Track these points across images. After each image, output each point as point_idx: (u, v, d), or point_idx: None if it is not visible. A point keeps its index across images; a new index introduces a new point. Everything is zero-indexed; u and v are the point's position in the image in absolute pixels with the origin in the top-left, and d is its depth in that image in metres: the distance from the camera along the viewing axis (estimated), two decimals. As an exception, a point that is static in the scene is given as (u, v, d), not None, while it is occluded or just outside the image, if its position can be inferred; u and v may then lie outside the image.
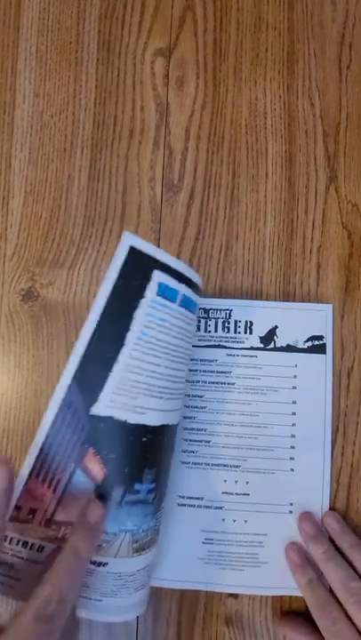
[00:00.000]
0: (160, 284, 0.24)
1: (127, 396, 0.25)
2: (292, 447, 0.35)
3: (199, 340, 0.35)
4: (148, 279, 0.24)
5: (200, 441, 0.35)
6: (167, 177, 0.38)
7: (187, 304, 0.25)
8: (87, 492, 0.26)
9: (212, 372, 0.35)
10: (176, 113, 0.38)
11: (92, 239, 0.37)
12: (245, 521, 0.34)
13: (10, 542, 0.27)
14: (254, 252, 0.37)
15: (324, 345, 0.35)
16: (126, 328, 0.24)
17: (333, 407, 0.35)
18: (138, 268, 0.24)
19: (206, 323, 0.35)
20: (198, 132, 0.38)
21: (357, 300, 0.37)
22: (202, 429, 0.35)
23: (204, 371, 0.35)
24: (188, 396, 0.35)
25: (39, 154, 0.38)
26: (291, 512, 0.34)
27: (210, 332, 0.35)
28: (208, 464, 0.34)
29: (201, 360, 0.35)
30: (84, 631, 0.34)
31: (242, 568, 0.34)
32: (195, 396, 0.35)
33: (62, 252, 0.37)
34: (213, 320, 0.35)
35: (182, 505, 0.34)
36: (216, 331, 0.35)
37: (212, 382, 0.35)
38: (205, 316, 0.35)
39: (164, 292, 0.24)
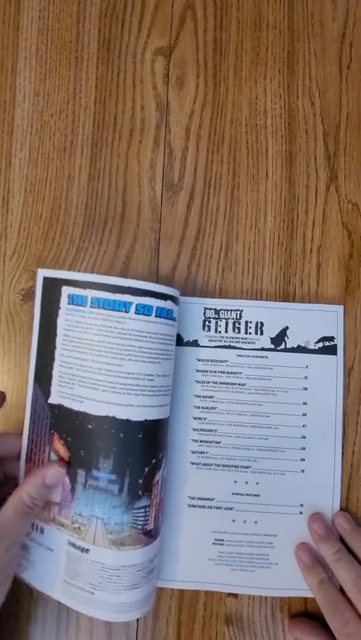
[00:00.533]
0: (69, 295, 0.30)
1: (67, 387, 0.30)
2: (303, 448, 0.35)
3: (209, 340, 0.35)
4: (59, 294, 0.31)
5: (210, 442, 0.35)
6: (167, 176, 0.38)
7: (102, 304, 0.29)
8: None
9: (222, 372, 0.35)
10: (176, 112, 0.38)
11: (92, 239, 0.37)
12: (256, 522, 0.34)
13: None
14: (254, 252, 0.37)
15: (334, 346, 0.35)
16: (54, 333, 0.31)
17: (344, 408, 0.35)
18: (52, 289, 0.31)
19: (217, 323, 0.35)
20: (198, 131, 0.38)
21: (358, 299, 0.37)
22: (212, 430, 0.35)
23: (215, 371, 0.35)
24: (199, 396, 0.35)
25: (39, 153, 0.38)
26: (301, 513, 0.34)
27: (220, 332, 0.35)
28: (219, 465, 0.34)
29: (211, 360, 0.35)
30: (85, 631, 0.34)
31: (252, 569, 0.34)
32: (205, 397, 0.35)
33: (62, 251, 0.37)
34: (224, 320, 0.35)
35: (193, 506, 0.34)
36: (227, 331, 0.35)
37: (223, 383, 0.35)
38: (216, 316, 0.35)
39: (73, 300, 0.30)
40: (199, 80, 0.38)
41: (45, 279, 0.31)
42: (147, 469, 0.30)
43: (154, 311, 0.30)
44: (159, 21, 0.38)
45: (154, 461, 0.30)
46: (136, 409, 0.29)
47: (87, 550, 0.29)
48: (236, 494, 0.34)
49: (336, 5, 0.39)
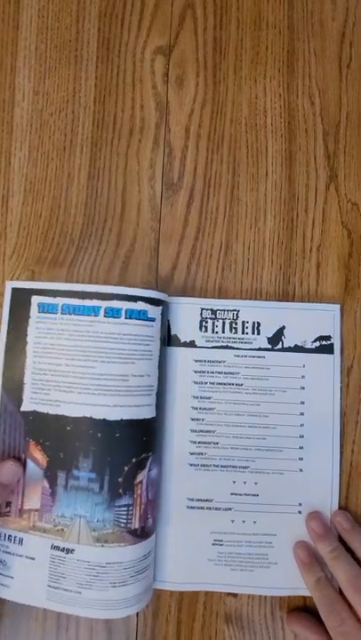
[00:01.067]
0: (39, 304, 0.32)
1: (42, 393, 0.32)
2: (301, 447, 0.35)
3: (207, 340, 0.35)
4: (29, 303, 0.32)
5: (208, 443, 0.34)
6: (167, 175, 0.38)
7: (72, 310, 0.31)
8: (40, 479, 0.31)
9: (219, 373, 0.35)
10: (176, 111, 0.38)
11: (92, 238, 0.37)
12: (255, 522, 0.34)
13: None
14: (254, 251, 0.37)
15: (331, 345, 0.35)
16: (24, 342, 0.32)
17: (342, 407, 0.35)
18: (21, 300, 0.33)
19: (214, 324, 0.35)
20: (198, 130, 0.38)
21: (357, 299, 0.37)
22: (210, 431, 0.35)
23: (212, 372, 0.35)
24: (196, 397, 0.35)
25: (39, 152, 0.38)
26: (300, 512, 0.34)
27: (217, 332, 0.35)
28: (217, 465, 0.34)
29: (209, 361, 0.35)
30: (85, 630, 0.34)
31: (252, 569, 0.34)
32: (203, 398, 0.35)
33: (62, 250, 0.37)
34: (221, 321, 0.35)
35: (192, 507, 0.34)
36: (223, 332, 0.35)
37: (220, 383, 0.35)
38: (213, 316, 0.35)
39: (43, 308, 0.32)
40: (199, 79, 0.38)
41: (14, 290, 0.33)
42: (127, 468, 0.30)
43: (123, 313, 0.31)
44: (159, 20, 0.38)
45: (135, 460, 0.31)
46: (112, 409, 0.30)
47: (72, 550, 0.30)
48: (235, 494, 0.34)
49: (336, 5, 0.39)
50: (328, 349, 0.35)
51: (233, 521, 0.34)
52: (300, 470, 0.34)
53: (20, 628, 0.34)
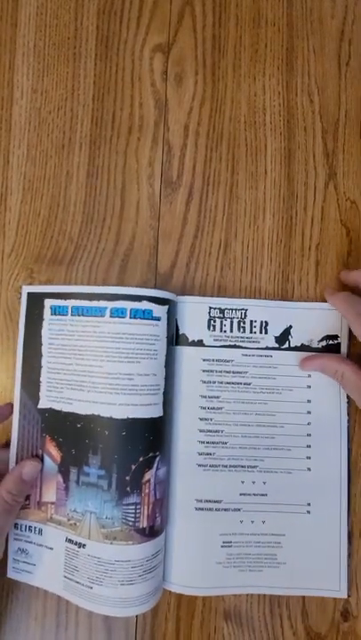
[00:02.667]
0: (52, 306, 0.34)
1: (56, 391, 0.33)
2: (308, 446, 0.35)
3: (215, 340, 0.35)
4: (42, 306, 0.34)
5: (217, 443, 0.34)
6: (166, 174, 0.38)
7: (81, 312, 0.32)
8: (55, 473, 0.33)
9: (228, 372, 0.35)
10: (175, 109, 0.38)
11: (91, 236, 0.37)
12: (263, 521, 0.34)
13: (20, 529, 0.33)
14: (253, 250, 0.37)
15: (338, 344, 0.35)
16: (40, 343, 0.34)
17: (349, 405, 0.35)
18: (36, 302, 0.34)
19: (222, 323, 0.35)
20: (197, 128, 0.38)
21: (356, 297, 0.37)
22: (219, 431, 0.34)
23: (220, 371, 0.35)
24: (205, 397, 0.35)
25: (37, 150, 0.38)
26: (308, 512, 0.34)
27: (225, 332, 0.35)
28: (226, 466, 0.34)
29: (217, 360, 0.35)
30: (84, 628, 0.34)
31: (260, 569, 0.34)
32: (211, 397, 0.35)
33: (61, 249, 0.37)
34: (229, 320, 0.35)
35: (200, 509, 0.34)
36: (232, 331, 0.35)
37: (229, 383, 0.35)
38: (221, 315, 0.35)
39: (55, 310, 0.33)
40: (198, 77, 0.38)
41: (29, 294, 0.35)
42: (134, 467, 0.31)
43: (128, 313, 0.31)
44: (158, 18, 0.38)
45: (142, 459, 0.31)
46: (118, 407, 0.31)
47: (84, 545, 0.31)
48: (244, 494, 0.34)
49: (335, 2, 0.39)
50: (335, 349, 0.35)
51: (242, 521, 0.34)
52: (309, 469, 0.34)
53: (19, 627, 0.34)
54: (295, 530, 0.34)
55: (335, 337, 0.35)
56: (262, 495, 0.34)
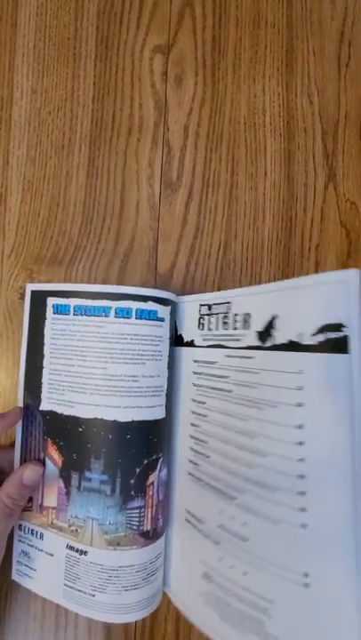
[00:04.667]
0: (54, 305, 0.32)
1: (57, 393, 0.32)
2: (302, 493, 0.24)
3: (203, 339, 0.32)
4: (45, 305, 0.33)
5: (202, 454, 0.31)
6: (166, 174, 0.38)
7: (84, 311, 0.31)
8: (56, 478, 0.31)
9: (213, 375, 0.31)
10: (175, 110, 0.38)
11: (91, 237, 0.37)
12: (245, 573, 0.26)
13: (24, 531, 0.33)
14: (253, 251, 0.37)
15: (345, 338, 0.22)
16: (42, 342, 0.32)
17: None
18: (39, 301, 0.33)
19: (209, 320, 0.32)
20: (197, 129, 0.38)
21: (355, 298, 0.37)
22: (204, 441, 0.31)
23: (208, 374, 0.31)
24: (195, 401, 0.33)
25: (37, 151, 0.38)
26: (306, 585, 0.23)
27: (211, 329, 0.31)
28: (208, 483, 0.30)
29: (204, 362, 0.32)
30: (84, 629, 0.34)
31: (244, 631, 0.26)
32: (200, 402, 0.32)
33: (60, 249, 0.37)
34: (215, 317, 0.31)
35: (188, 521, 0.32)
36: (217, 328, 0.31)
37: (212, 388, 0.31)
38: (208, 312, 0.32)
39: (57, 309, 0.32)
40: (198, 78, 0.38)
41: (33, 292, 0.33)
42: (138, 470, 0.30)
43: (133, 313, 0.31)
44: (157, 19, 0.38)
45: (146, 462, 0.30)
46: (122, 410, 0.30)
47: (85, 552, 0.30)
48: (222, 528, 0.28)
49: (335, 4, 0.39)
50: (339, 345, 0.23)
51: (221, 560, 0.28)
52: (303, 527, 0.24)
53: (18, 628, 0.34)
54: (289, 602, 0.24)
55: (339, 326, 0.23)
56: (242, 539, 0.27)
